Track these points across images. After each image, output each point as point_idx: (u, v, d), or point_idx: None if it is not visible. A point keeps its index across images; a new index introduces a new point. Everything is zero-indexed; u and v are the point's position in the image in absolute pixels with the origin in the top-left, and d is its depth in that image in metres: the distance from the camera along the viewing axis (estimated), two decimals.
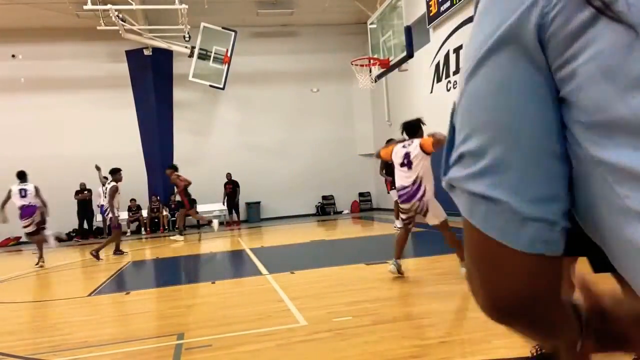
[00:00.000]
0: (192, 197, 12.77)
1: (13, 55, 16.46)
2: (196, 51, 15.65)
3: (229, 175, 16.97)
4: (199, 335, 4.01)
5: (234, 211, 16.99)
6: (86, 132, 16.60)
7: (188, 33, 15.34)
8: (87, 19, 15.04)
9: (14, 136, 16.04)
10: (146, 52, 16.61)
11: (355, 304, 4.62)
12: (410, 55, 11.41)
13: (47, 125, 16.39)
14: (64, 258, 11.06)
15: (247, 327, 4.18)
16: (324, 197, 18.50)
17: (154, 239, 14.64)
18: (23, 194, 9.33)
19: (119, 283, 7.28)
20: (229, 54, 15.73)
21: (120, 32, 14.92)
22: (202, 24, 15.39)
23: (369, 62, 12.94)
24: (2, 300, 6.43)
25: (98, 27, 14.61)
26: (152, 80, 16.90)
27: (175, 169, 12.54)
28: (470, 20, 11.92)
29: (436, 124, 15.06)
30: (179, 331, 4.16)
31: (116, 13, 14.12)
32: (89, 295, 6.33)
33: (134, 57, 16.82)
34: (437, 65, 13.68)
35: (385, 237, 10.93)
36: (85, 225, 16.15)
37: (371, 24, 14.12)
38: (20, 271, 9.18)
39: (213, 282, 6.57)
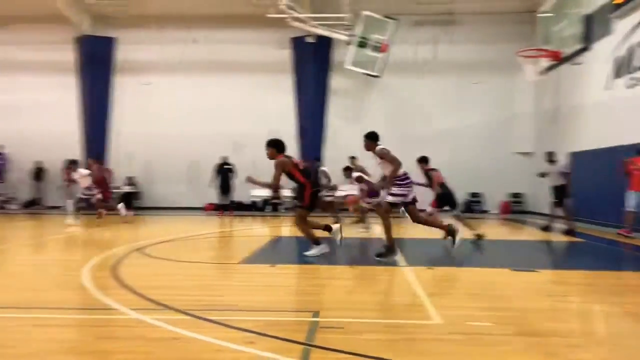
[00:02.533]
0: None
1: (194, 40, 18.31)
2: (356, 39, 15.92)
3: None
4: (332, 315, 4.14)
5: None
6: (247, 113, 17.88)
7: (350, 21, 15.66)
8: (259, 7, 16.17)
9: (192, 114, 17.95)
10: (309, 40, 17.35)
11: (495, 310, 4.39)
12: (586, 47, 10.27)
13: (215, 105, 18.04)
14: (210, 227, 12.19)
15: (379, 315, 4.22)
16: (471, 194, 17.74)
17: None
18: None
19: (265, 255, 7.81)
20: (387, 43, 15.74)
21: (287, 20, 15.80)
22: (364, 12, 15.60)
23: (538, 53, 11.97)
24: (173, 258, 7.31)
25: (267, 15, 15.63)
26: (312, 67, 17.64)
27: None
28: None
29: (612, 124, 13.35)
30: (315, 309, 4.35)
31: (285, 1, 15.00)
32: (239, 263, 6.90)
33: (298, 44, 17.68)
34: (618, 59, 12.16)
35: (535, 243, 10.16)
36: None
37: (543, 12, 13.03)
38: (189, 233, 10.34)
39: (351, 266, 6.72)
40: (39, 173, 17.76)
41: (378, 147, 7.03)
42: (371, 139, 7.12)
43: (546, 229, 11.00)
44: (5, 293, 5.07)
